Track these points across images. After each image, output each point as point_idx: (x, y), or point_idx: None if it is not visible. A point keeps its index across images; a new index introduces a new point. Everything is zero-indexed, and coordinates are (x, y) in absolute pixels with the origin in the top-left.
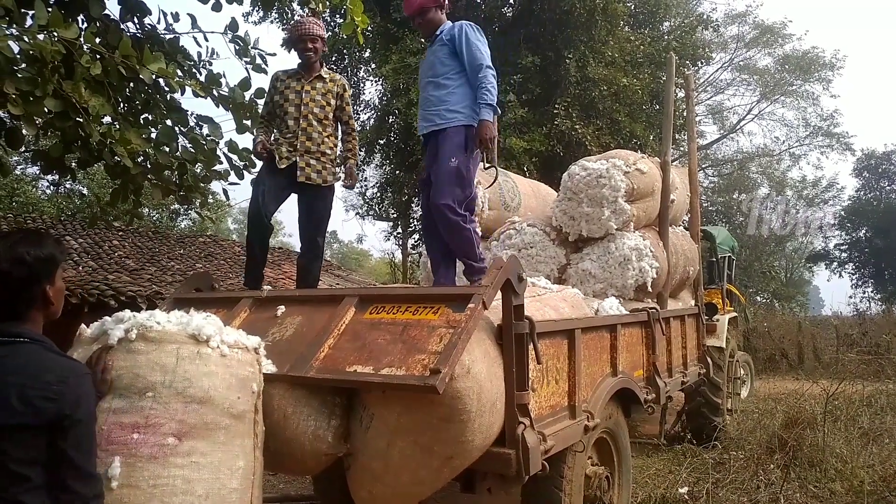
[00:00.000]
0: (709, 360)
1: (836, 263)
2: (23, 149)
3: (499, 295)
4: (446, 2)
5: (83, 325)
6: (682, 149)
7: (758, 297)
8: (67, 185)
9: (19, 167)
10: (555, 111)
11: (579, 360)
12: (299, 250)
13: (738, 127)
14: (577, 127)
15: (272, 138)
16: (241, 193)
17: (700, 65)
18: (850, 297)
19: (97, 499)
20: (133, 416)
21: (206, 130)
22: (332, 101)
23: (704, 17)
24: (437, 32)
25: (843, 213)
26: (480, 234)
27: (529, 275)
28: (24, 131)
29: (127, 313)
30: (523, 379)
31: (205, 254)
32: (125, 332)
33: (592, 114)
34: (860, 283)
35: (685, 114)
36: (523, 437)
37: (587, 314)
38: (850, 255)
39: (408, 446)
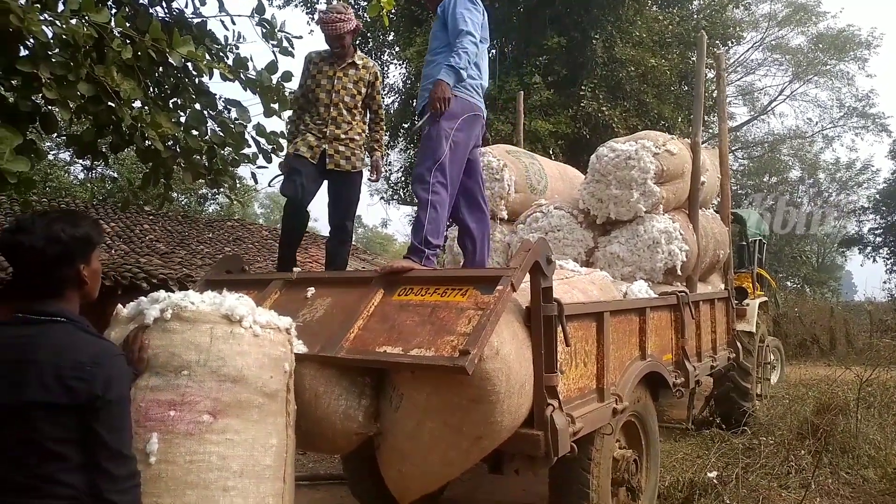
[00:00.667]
0: (738, 344)
1: (869, 248)
2: (56, 134)
3: (527, 277)
4: None
5: (119, 306)
6: (711, 130)
7: (788, 283)
8: (99, 170)
9: (52, 153)
10: (581, 93)
11: (608, 343)
12: (328, 234)
13: (770, 108)
14: (604, 108)
15: (304, 123)
16: (268, 177)
17: (730, 44)
18: (885, 282)
19: (130, 478)
20: (169, 393)
21: (234, 114)
22: (364, 90)
23: None
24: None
25: (877, 196)
26: (503, 217)
27: (557, 258)
28: (58, 116)
29: (162, 293)
30: (552, 361)
31: (233, 237)
32: (161, 311)
33: (619, 95)
34: (895, 267)
35: (715, 94)
36: (552, 419)
37: (616, 297)
38: (885, 240)
39: (437, 426)
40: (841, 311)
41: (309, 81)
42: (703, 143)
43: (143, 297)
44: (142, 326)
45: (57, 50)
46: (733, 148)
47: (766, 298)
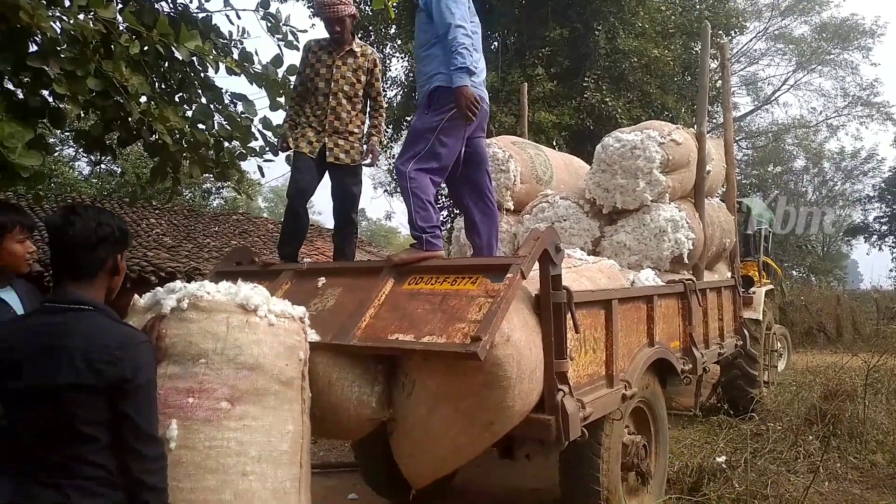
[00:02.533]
0: (745, 332)
1: (875, 236)
2: (62, 130)
3: (536, 265)
4: None
5: (136, 296)
6: (714, 120)
7: (794, 272)
8: (104, 165)
9: (57, 149)
10: (584, 84)
11: (616, 330)
12: (334, 228)
13: (774, 98)
14: (608, 100)
15: (304, 115)
16: (274, 171)
17: (734, 34)
18: (891, 270)
19: (159, 459)
20: (187, 381)
21: (240, 108)
22: (363, 78)
23: None
24: None
25: (883, 184)
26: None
27: (565, 247)
28: (66, 111)
29: (178, 284)
30: (562, 347)
31: (239, 231)
32: (177, 301)
33: (623, 86)
34: None
35: (719, 84)
36: (563, 404)
37: (624, 285)
38: (891, 228)
39: (449, 412)
40: (847, 299)
41: (307, 70)
42: (707, 132)
43: (159, 288)
44: (159, 316)
45: (65, 46)
46: (737, 138)
47: (772, 287)
